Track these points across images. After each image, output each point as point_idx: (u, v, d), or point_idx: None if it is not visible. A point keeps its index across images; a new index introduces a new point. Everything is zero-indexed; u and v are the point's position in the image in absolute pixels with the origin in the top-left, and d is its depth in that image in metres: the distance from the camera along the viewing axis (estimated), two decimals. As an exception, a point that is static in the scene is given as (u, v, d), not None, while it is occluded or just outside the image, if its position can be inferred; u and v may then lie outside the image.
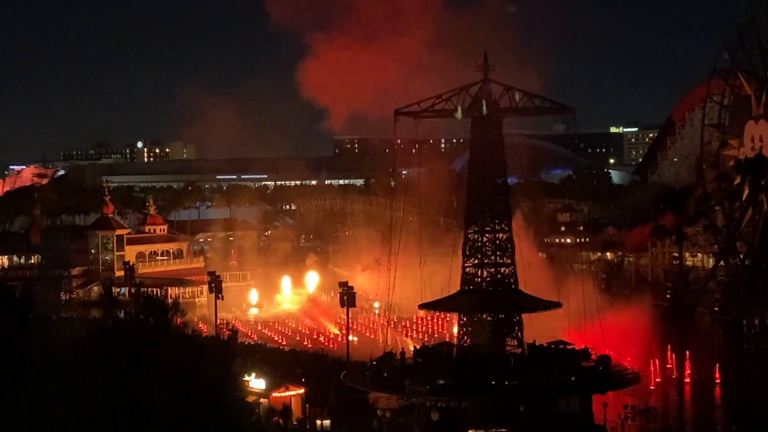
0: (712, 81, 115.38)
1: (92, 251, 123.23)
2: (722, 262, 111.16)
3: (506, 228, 63.51)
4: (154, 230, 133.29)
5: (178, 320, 37.83)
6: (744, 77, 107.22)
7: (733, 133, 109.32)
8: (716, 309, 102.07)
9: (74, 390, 34.22)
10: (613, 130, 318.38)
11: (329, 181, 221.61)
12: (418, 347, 67.89)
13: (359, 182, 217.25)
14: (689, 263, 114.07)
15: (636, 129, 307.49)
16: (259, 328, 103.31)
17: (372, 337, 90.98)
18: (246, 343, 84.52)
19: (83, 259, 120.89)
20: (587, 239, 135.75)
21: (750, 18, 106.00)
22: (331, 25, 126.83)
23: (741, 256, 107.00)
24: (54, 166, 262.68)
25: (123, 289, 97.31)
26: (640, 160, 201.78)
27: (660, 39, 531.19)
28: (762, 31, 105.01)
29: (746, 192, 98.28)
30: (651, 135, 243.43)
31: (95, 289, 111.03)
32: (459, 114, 63.06)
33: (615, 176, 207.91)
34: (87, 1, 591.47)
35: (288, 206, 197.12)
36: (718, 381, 73.71)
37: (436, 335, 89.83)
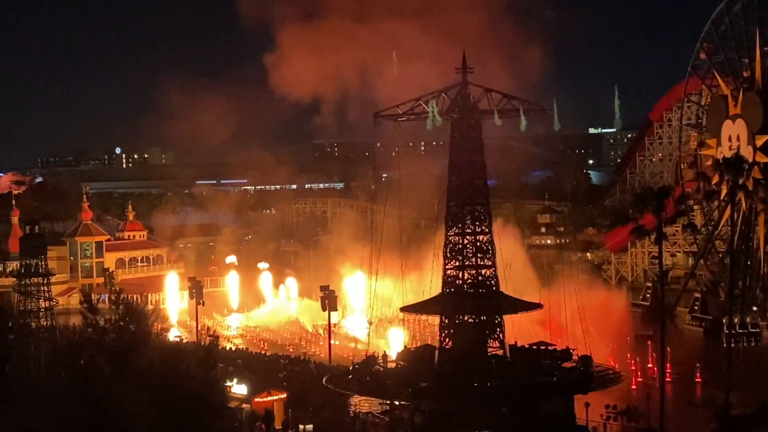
0: (690, 81, 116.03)
1: (71, 258, 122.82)
2: (702, 262, 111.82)
3: (487, 230, 63.47)
4: (134, 236, 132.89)
5: (158, 326, 37.72)
6: (721, 77, 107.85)
7: (710, 132, 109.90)
8: (696, 308, 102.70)
9: (54, 398, 34.02)
10: (591, 131, 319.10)
11: (309, 185, 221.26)
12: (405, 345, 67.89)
13: (339, 186, 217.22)
14: (669, 263, 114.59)
15: (615, 130, 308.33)
16: (241, 333, 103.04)
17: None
18: (227, 349, 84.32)
19: (62, 267, 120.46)
20: (568, 240, 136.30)
21: (726, 18, 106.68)
22: (308, 25, 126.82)
23: (720, 255, 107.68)
24: (32, 173, 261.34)
25: (103, 296, 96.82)
26: (619, 160, 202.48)
27: (638, 40, 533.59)
28: (738, 31, 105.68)
29: (724, 191, 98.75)
30: (629, 135, 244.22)
31: (75, 296, 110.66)
32: (431, 123, 62.73)
33: (594, 177, 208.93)
34: (62, 8, 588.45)
35: (268, 210, 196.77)
36: (699, 380, 74.10)
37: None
